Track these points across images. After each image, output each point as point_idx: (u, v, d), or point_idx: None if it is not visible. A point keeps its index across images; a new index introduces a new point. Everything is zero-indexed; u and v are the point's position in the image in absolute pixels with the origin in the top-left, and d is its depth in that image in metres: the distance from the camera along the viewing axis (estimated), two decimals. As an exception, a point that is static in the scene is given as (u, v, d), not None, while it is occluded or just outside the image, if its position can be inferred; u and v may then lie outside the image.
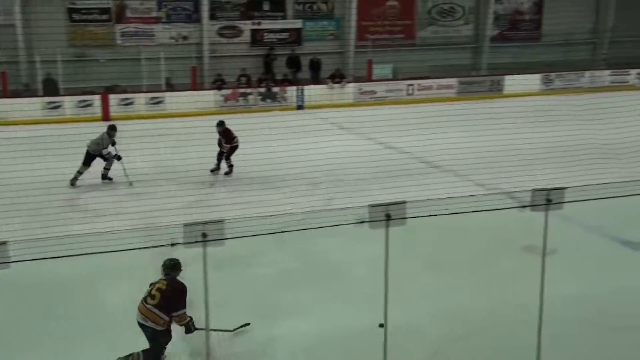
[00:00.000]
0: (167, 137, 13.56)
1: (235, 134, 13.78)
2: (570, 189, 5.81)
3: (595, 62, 26.85)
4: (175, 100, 20.25)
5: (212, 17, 23.59)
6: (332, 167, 12.37)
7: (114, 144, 13.07)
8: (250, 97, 22.13)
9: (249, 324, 7.30)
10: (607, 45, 27.17)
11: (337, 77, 23.12)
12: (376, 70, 24.32)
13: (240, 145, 13.70)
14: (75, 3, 22.26)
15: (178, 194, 11.44)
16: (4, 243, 4.87)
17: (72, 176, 12.80)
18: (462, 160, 12.92)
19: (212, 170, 13.44)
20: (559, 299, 6.78)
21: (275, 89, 22.39)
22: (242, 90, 22.24)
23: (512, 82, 23.19)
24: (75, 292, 8.28)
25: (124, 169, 12.83)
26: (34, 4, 21.38)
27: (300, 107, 22.11)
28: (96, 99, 20.37)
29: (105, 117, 19.93)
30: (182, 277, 6.56)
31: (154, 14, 23.14)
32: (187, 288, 6.42)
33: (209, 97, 21.37)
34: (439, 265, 8.91)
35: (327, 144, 12.15)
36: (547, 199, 5.61)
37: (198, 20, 23.42)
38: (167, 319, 6.28)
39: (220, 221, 4.96)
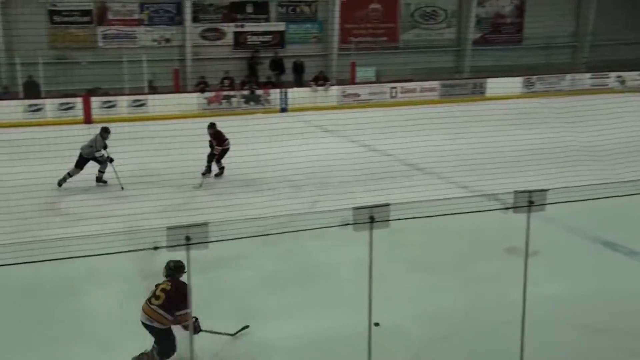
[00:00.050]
0: (149, 140, 13.46)
1: (227, 136, 13.74)
2: (552, 190, 5.85)
3: (575, 66, 27.16)
4: (157, 103, 20.12)
5: (195, 19, 23.51)
6: (315, 169, 12.39)
7: (105, 147, 12.97)
8: (233, 99, 22.08)
9: (248, 326, 7.29)
10: (587, 49, 27.47)
11: (321, 80, 23.15)
12: (359, 72, 24.38)
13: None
14: (56, 5, 22.08)
15: (161, 197, 11.37)
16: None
17: (60, 177, 12.68)
18: (445, 163, 12.98)
19: (203, 173, 13.33)
20: (541, 300, 6.83)
21: (259, 92, 22.34)
22: (225, 92, 22.17)
23: (494, 85, 23.33)
24: (59, 295, 8.21)
25: (116, 172, 12.72)
26: (14, 6, 21.18)
27: (283, 110, 22.11)
28: (78, 102, 20.21)
29: (87, 119, 19.81)
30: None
31: (136, 16, 23.01)
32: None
33: (191, 100, 21.29)
34: (423, 267, 8.94)
35: (310, 146, 12.13)
36: (529, 201, 5.64)
37: (180, 22, 23.31)
38: (171, 318, 6.32)
39: (204, 224, 4.93)
